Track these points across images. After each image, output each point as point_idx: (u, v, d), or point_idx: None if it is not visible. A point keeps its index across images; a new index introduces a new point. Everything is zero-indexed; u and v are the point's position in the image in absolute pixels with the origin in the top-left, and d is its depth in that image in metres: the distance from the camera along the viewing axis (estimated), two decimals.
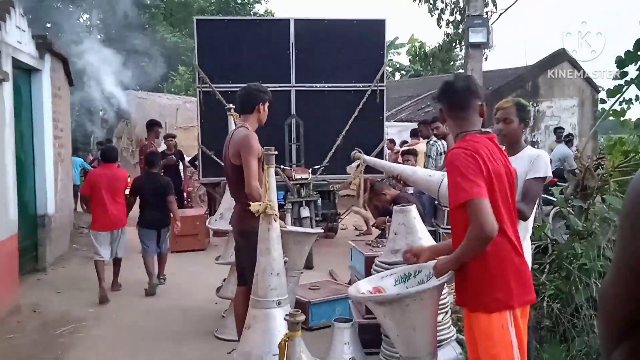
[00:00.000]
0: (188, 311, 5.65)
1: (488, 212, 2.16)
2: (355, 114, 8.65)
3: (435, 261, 2.50)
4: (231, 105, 5.65)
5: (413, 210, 3.95)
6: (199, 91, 8.51)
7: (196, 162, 9.53)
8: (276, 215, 3.20)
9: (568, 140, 11.61)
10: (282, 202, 6.78)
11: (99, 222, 6.25)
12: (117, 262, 6.49)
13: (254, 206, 3.13)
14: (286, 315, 2.48)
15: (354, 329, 3.94)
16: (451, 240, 2.47)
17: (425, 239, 3.86)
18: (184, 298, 6.10)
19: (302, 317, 2.43)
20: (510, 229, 2.31)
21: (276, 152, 3.20)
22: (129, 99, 17.75)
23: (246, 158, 3.68)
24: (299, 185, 7.72)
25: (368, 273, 4.22)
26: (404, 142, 11.34)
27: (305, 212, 7.48)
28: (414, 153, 8.33)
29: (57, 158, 8.09)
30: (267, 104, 4.14)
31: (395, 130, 13.43)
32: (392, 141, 11.74)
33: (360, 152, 4.17)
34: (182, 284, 6.66)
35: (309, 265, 7.06)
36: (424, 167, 7.60)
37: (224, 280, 5.38)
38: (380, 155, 8.54)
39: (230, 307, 4.82)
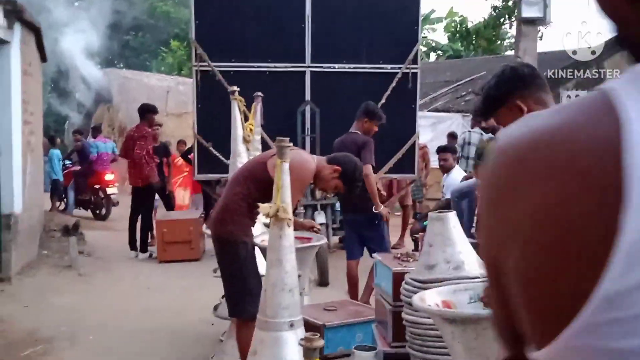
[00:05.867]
0: (179, 333, 5.69)
1: None
2: (383, 101, 8.64)
3: None
4: (235, 88, 5.70)
5: (452, 217, 3.95)
6: (196, 71, 8.56)
7: (190, 156, 9.60)
8: (289, 220, 3.22)
9: None
10: None
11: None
12: None
13: (264, 207, 3.15)
14: (301, 339, 2.50)
15: (379, 357, 3.96)
16: None
17: (466, 253, 3.86)
18: (174, 318, 6.14)
19: (321, 343, 2.44)
20: None
21: (291, 144, 3.22)
22: (110, 78, 17.90)
23: (293, 184, 3.37)
24: (312, 186, 7.74)
25: (396, 292, 4.22)
26: None
27: (320, 217, 7.51)
28: (452, 151, 8.35)
29: (27, 147, 8.19)
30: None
31: (429, 122, 13.41)
32: (453, 135, 11.12)
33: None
34: (172, 301, 6.72)
35: (324, 282, 7.09)
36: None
37: (223, 296, 5.41)
38: (411, 151, 8.53)
39: (229, 329, 4.85)
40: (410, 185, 9.53)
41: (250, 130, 5.71)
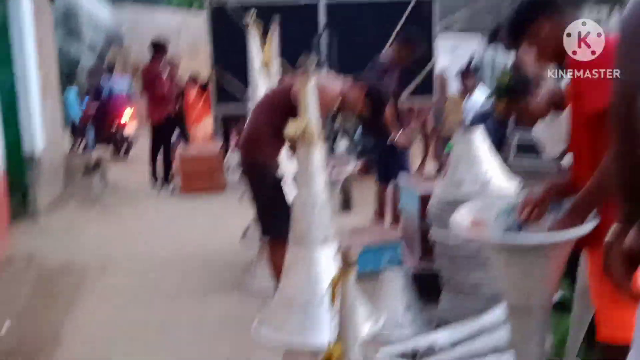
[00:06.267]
0: (208, 261, 5.81)
1: None
2: (398, 28, 8.49)
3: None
4: (251, 14, 5.61)
5: (478, 135, 3.95)
6: (209, 6, 8.43)
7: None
8: (317, 138, 3.21)
9: None
10: None
11: None
12: None
13: (290, 127, 3.13)
14: (337, 251, 2.53)
15: (407, 276, 4.02)
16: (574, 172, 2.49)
17: (492, 171, 3.87)
18: (204, 246, 6.26)
19: (357, 254, 2.46)
20: None
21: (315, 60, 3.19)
22: (119, 17, 17.63)
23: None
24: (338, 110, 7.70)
25: (423, 215, 4.27)
26: None
27: (342, 144, 7.53)
28: (472, 74, 8.22)
29: (44, 88, 8.20)
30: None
31: (447, 46, 13.11)
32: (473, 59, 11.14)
33: None
34: (200, 231, 6.84)
35: (347, 206, 7.16)
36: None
37: (250, 224, 5.49)
38: (429, 78, 8.43)
39: (258, 254, 4.95)
40: (430, 111, 9.47)
41: (269, 57, 5.66)
